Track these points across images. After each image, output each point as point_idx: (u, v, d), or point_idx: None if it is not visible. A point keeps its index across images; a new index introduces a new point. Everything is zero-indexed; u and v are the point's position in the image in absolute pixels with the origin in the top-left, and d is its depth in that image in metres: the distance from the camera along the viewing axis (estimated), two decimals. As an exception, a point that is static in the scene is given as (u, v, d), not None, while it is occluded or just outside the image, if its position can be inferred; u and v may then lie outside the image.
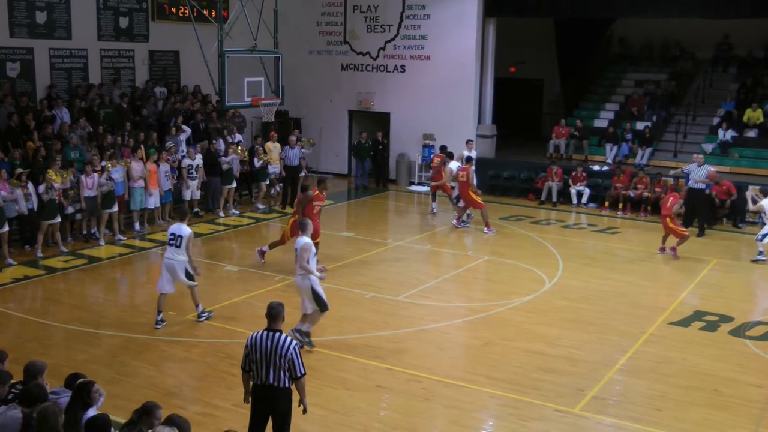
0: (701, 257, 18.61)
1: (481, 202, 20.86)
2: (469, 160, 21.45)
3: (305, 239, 12.18)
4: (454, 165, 21.64)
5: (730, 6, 23.99)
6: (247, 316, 13.87)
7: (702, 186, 20.80)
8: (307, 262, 12.05)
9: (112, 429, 7.12)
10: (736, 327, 13.86)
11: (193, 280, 13.50)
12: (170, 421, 7.17)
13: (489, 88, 27.01)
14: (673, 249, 18.51)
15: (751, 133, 25.23)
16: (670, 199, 18.48)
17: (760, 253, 18.09)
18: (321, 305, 12.24)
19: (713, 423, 10.32)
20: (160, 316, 13.38)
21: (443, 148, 23.22)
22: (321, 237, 16.31)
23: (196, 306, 13.64)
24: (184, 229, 13.31)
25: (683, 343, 13.19)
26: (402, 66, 27.54)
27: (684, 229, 18.69)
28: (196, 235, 19.32)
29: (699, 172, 20.89)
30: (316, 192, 16.29)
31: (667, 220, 18.35)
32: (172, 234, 13.37)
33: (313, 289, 12.13)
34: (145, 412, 7.25)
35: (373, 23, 27.88)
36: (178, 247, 13.24)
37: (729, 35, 28.93)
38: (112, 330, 13.28)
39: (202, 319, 13.63)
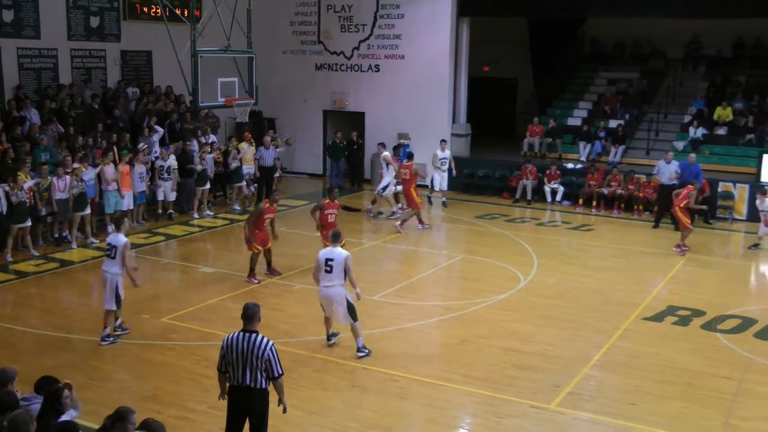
0: (674, 253, 18.76)
1: (418, 203, 20.83)
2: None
3: (345, 251, 12.17)
4: (387, 153, 22.05)
5: (699, 6, 24.25)
6: (223, 317, 13.81)
7: (674, 182, 20.87)
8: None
9: None
10: (708, 321, 14.03)
11: (118, 303, 12.69)
12: (145, 425, 7.05)
13: (463, 88, 27.10)
14: (678, 246, 18.66)
15: (721, 131, 25.49)
16: (683, 192, 18.68)
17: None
18: (354, 315, 12.25)
19: (686, 416, 10.45)
20: (107, 330, 12.65)
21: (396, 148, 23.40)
22: (297, 238, 16.28)
23: (104, 327, 12.63)
24: (120, 239, 12.66)
25: (656, 337, 13.33)
26: (376, 65, 27.56)
27: (689, 222, 18.70)
28: (171, 237, 19.38)
29: (669, 169, 21.22)
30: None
31: (677, 209, 18.57)
32: (108, 244, 12.77)
33: (348, 300, 12.15)
34: (119, 418, 7.05)
35: (347, 23, 27.88)
36: (113, 258, 12.62)
37: (698, 35, 29.22)
38: (84, 334, 13.12)
39: (104, 343, 12.55)
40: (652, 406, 10.72)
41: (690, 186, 18.88)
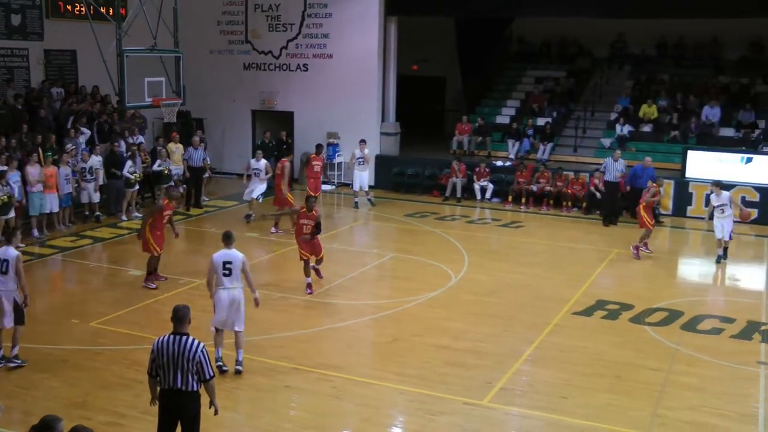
0: (602, 248, 19.07)
1: (292, 201, 20.45)
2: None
3: (240, 254, 11.71)
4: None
5: (623, 6, 24.70)
6: (153, 320, 13.61)
7: (618, 180, 21.66)
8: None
9: None
10: (636, 314, 14.29)
11: (21, 318, 11.70)
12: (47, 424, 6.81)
13: (392, 86, 27.13)
14: (636, 248, 18.45)
15: (647, 128, 25.99)
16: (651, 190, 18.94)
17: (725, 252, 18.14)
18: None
19: (616, 407, 10.61)
20: (15, 350, 11.73)
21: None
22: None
23: (12, 347, 11.70)
24: (10, 252, 11.57)
25: (586, 331, 13.52)
26: (305, 65, 27.45)
27: (650, 221, 18.47)
28: (98, 239, 19.03)
29: (616, 167, 21.74)
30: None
31: (641, 207, 18.55)
32: None
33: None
34: (44, 427, 6.70)
35: (274, 22, 27.71)
36: (5, 273, 11.49)
37: (623, 34, 29.74)
38: (9, 341, 12.76)
39: (11, 365, 11.63)
40: (582, 399, 10.87)
41: (654, 183, 19.22)
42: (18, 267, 11.50)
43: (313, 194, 18.62)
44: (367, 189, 23.80)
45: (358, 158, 23.41)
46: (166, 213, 15.58)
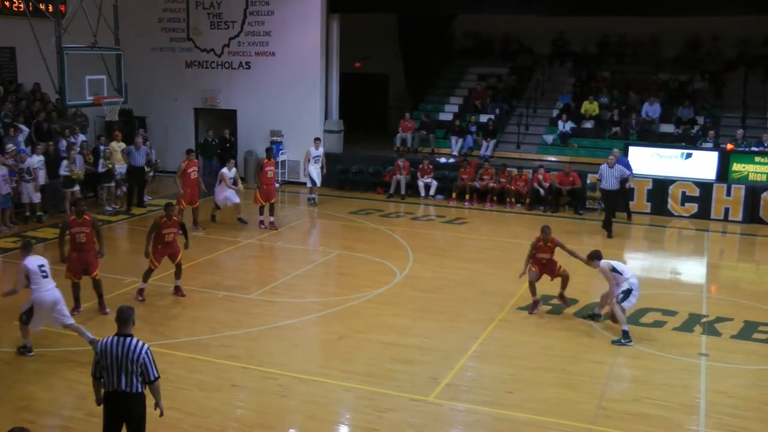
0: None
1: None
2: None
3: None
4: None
5: (563, 4, 24.96)
6: (97, 322, 13.36)
7: (615, 187, 20.30)
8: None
9: None
10: (580, 308, 14.43)
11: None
12: None
13: (335, 84, 27.09)
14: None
15: (588, 124, 26.32)
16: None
17: (625, 334, 12.95)
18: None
19: (562, 401, 10.71)
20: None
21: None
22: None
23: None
24: None
25: (531, 326, 13.65)
26: (247, 63, 27.29)
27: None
28: (41, 240, 18.67)
29: (612, 173, 20.19)
30: (164, 219, 14.61)
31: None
32: None
33: None
34: None
35: (216, 19, 27.49)
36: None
37: (564, 32, 30.07)
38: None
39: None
40: (528, 394, 10.95)
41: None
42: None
43: (173, 202, 16.53)
44: (318, 186, 23.68)
45: (314, 156, 23.20)
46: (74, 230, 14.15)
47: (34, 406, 10.41)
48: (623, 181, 20.49)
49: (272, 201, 20.28)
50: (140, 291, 14.66)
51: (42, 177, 20.77)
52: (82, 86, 19.59)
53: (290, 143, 26.58)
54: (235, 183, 20.64)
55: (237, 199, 20.50)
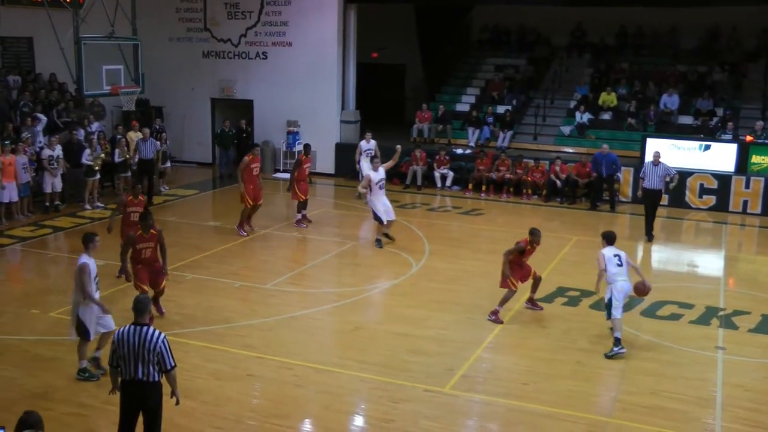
0: (563, 235, 19.17)
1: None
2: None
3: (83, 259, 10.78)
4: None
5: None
6: (113, 310, 13.38)
7: (659, 187, 19.02)
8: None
9: None
10: (596, 301, 14.28)
11: (82, 333, 10.77)
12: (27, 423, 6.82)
13: (351, 74, 27.05)
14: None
15: (606, 116, 26.19)
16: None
17: (617, 342, 12.13)
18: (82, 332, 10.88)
19: (577, 393, 10.68)
20: (83, 364, 11.03)
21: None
22: (187, 228, 15.66)
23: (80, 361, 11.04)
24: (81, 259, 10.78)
25: (547, 318, 13.60)
26: (264, 53, 27.28)
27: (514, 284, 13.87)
28: (59, 229, 18.76)
29: (656, 172, 18.94)
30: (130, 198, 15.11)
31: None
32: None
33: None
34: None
35: (233, 10, 27.48)
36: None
37: (582, 23, 29.88)
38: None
39: (79, 377, 10.94)
40: (543, 385, 10.92)
41: None
42: (80, 278, 10.62)
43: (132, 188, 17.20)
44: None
45: (366, 150, 22.86)
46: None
47: (52, 394, 10.48)
48: (667, 180, 19.19)
49: (307, 197, 20.14)
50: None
51: (61, 167, 20.88)
52: (99, 76, 19.61)
53: (307, 133, 26.56)
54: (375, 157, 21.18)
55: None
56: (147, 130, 22.74)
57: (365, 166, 22.29)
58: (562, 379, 11.16)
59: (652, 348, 12.38)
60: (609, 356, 11.90)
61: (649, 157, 21.28)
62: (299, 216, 20.02)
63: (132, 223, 14.59)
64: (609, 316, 12.25)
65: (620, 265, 12.29)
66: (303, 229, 19.72)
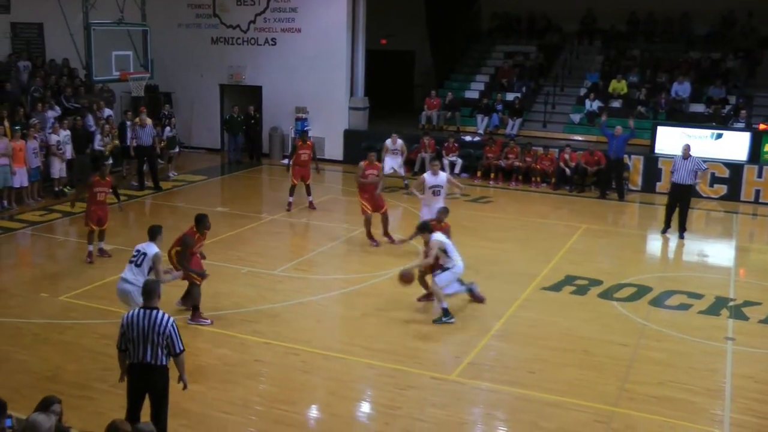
0: (571, 224, 19.11)
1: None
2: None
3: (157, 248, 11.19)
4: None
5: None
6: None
7: (689, 182, 18.17)
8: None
9: None
10: (605, 290, 14.31)
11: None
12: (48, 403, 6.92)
13: (360, 61, 26.96)
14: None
15: (616, 104, 26.03)
16: None
17: (445, 312, 12.68)
18: None
19: (584, 382, 10.64)
20: None
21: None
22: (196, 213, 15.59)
23: None
24: (151, 249, 11.21)
25: (555, 307, 13.55)
26: (273, 39, 27.21)
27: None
28: (67, 214, 18.77)
29: (686, 166, 18.07)
30: (97, 178, 15.42)
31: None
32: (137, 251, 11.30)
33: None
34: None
35: (242, -5, 27.46)
36: (138, 266, 11.16)
37: (592, 9, 29.73)
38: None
39: None
40: (550, 374, 10.89)
41: None
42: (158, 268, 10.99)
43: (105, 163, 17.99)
44: (402, 173, 22.93)
45: (392, 150, 22.40)
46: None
47: (61, 376, 10.53)
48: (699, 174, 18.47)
49: (307, 182, 20.13)
50: (89, 254, 15.36)
51: (69, 152, 20.92)
52: (108, 62, 19.61)
53: (315, 120, 26.54)
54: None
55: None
56: (144, 116, 22.14)
57: (389, 163, 22.18)
58: (569, 367, 11.12)
59: (660, 338, 12.30)
60: (437, 321, 12.49)
61: (662, 147, 21.27)
62: (290, 199, 20.08)
63: (99, 202, 15.36)
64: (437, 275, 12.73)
65: (450, 256, 12.82)
66: (288, 212, 19.84)
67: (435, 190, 16.02)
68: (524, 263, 15.89)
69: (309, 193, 20.17)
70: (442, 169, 19.83)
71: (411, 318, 12.89)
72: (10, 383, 9.75)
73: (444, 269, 12.77)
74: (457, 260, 12.91)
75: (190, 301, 12.55)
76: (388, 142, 22.30)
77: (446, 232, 13.55)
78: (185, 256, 12.24)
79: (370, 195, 17.15)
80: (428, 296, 13.50)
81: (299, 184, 20.02)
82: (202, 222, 12.50)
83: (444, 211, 14.06)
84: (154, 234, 11.38)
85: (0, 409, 6.70)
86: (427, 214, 15.60)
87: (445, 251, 12.81)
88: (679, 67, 26.78)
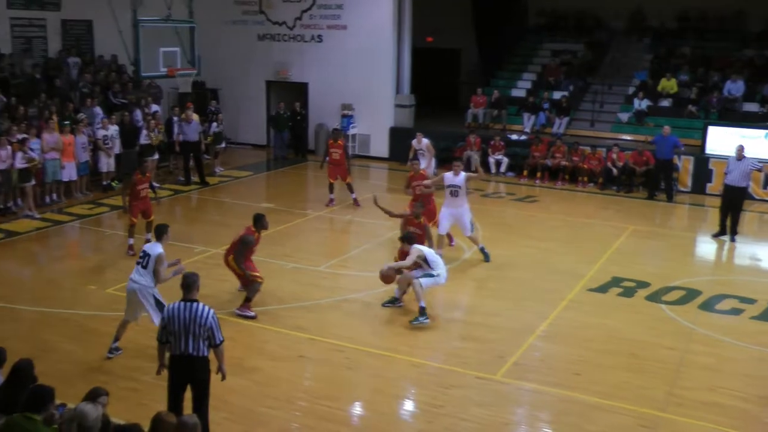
0: (619, 224, 18.89)
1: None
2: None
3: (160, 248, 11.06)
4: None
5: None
6: (167, 287, 13.47)
7: (743, 184, 17.80)
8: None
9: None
10: (653, 292, 14.09)
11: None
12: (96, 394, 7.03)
13: (406, 58, 26.88)
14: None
15: (665, 103, 25.66)
16: None
17: (422, 311, 12.41)
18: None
19: (630, 386, 10.48)
20: (115, 344, 11.18)
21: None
22: (241, 209, 15.87)
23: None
24: (156, 249, 11.06)
25: (601, 308, 13.38)
26: (319, 36, 27.24)
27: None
28: (115, 207, 18.97)
29: (740, 167, 17.65)
30: (139, 176, 15.75)
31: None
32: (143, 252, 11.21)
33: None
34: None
35: (289, -8, 27.53)
36: (144, 267, 11.05)
37: (642, 6, 29.38)
38: (30, 305, 12.98)
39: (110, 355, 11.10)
40: (595, 376, 10.75)
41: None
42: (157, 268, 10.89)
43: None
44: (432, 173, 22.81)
45: (418, 150, 21.73)
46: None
47: (107, 367, 10.68)
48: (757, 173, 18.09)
49: (346, 181, 20.09)
50: (129, 247, 15.64)
51: (117, 146, 21.16)
52: (156, 58, 19.75)
53: (361, 117, 26.55)
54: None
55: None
56: (190, 112, 22.30)
57: (424, 163, 21.96)
58: (615, 370, 10.97)
59: (710, 343, 12.07)
60: (414, 322, 12.29)
61: (713, 147, 20.89)
62: (330, 196, 20.19)
63: (141, 198, 15.73)
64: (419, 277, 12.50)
65: (431, 265, 12.60)
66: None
67: (452, 191, 15.68)
68: (570, 264, 15.72)
69: (351, 191, 20.13)
70: (467, 169, 19.57)
71: (455, 317, 12.87)
72: (57, 373, 9.85)
73: (427, 275, 12.53)
74: (441, 271, 12.66)
75: (248, 292, 12.63)
76: (414, 142, 21.91)
77: (421, 228, 13.73)
78: (244, 255, 12.39)
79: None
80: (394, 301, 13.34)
81: (338, 182, 20.01)
82: (260, 221, 12.68)
83: (420, 207, 14.16)
84: (159, 233, 11.34)
85: (48, 396, 6.80)
86: (446, 214, 15.55)
87: (425, 260, 12.61)
88: (731, 65, 26.25)
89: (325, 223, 18.87)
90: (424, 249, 12.75)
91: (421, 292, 12.37)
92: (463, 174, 15.66)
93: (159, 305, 10.91)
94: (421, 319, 12.28)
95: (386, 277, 12.79)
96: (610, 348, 11.72)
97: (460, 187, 15.56)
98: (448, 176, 15.74)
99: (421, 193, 16.41)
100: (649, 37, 29.23)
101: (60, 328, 12.00)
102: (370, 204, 20.38)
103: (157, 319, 10.64)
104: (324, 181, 20.63)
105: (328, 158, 20.23)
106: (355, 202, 20.07)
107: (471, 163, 21.88)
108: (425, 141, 21.55)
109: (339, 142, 20.14)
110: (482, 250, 15.80)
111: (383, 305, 13.23)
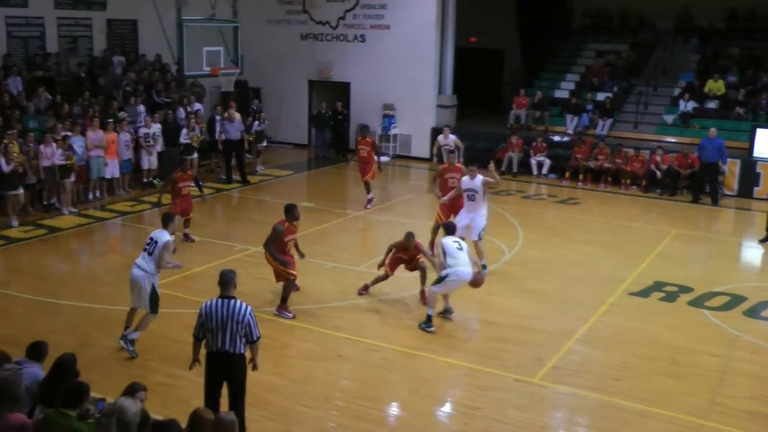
0: (662, 228, 18.66)
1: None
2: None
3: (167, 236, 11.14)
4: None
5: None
6: (208, 285, 13.48)
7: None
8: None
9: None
10: (696, 298, 13.87)
11: (156, 307, 11.13)
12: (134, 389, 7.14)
13: (449, 58, 26.80)
14: None
15: (712, 104, 25.27)
16: None
17: (428, 319, 12.33)
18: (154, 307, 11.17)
19: (671, 392, 10.32)
20: (127, 331, 11.24)
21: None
22: (280, 208, 15.71)
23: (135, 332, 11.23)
24: (162, 236, 11.14)
25: (642, 313, 13.20)
26: (362, 35, 27.25)
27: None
28: (156, 205, 19.06)
29: None
30: (180, 174, 16.12)
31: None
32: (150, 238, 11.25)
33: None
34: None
35: (332, -8, 27.55)
36: (151, 254, 11.11)
37: (689, 6, 28.99)
38: (73, 300, 13.12)
39: (123, 344, 11.09)
40: (636, 382, 10.60)
41: None
42: (162, 254, 10.94)
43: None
44: None
45: (443, 145, 21.79)
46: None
47: (146, 363, 10.75)
48: None
49: (364, 179, 19.83)
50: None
51: (160, 145, 21.35)
52: (199, 57, 19.88)
53: (403, 117, 26.50)
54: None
55: None
56: (232, 111, 22.36)
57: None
58: (656, 376, 10.80)
59: (755, 350, 11.85)
60: (421, 326, 12.17)
61: (761, 150, 20.53)
62: (368, 196, 19.99)
63: (183, 196, 16.02)
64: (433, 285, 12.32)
65: (461, 249, 12.31)
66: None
67: (469, 194, 15.08)
68: (611, 267, 15.54)
69: (367, 191, 19.92)
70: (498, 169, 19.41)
71: (494, 319, 12.74)
72: (96, 367, 9.95)
73: (438, 280, 12.29)
74: (456, 267, 12.15)
75: (283, 291, 12.66)
76: (440, 137, 21.77)
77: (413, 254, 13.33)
78: (274, 243, 12.39)
79: (449, 204, 15.86)
80: (366, 288, 13.56)
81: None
82: (290, 211, 12.68)
83: (411, 236, 13.34)
84: (166, 221, 11.40)
85: (83, 392, 6.86)
86: (464, 217, 15.04)
87: (444, 252, 12.33)
88: (782, 66, 25.80)
89: (365, 223, 18.86)
90: (444, 241, 12.53)
91: (432, 298, 12.28)
92: (479, 177, 15.17)
93: (153, 296, 11.02)
94: (423, 326, 12.14)
95: (476, 282, 12.55)
96: (652, 353, 11.55)
97: (476, 191, 15.05)
98: (465, 180, 15.27)
99: (452, 186, 15.96)
100: (696, 37, 28.80)
101: (101, 324, 12.09)
102: (409, 204, 20.41)
103: (146, 306, 10.96)
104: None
105: (356, 156, 20.06)
106: (368, 203, 19.92)
107: (459, 153, 21.13)
108: (452, 137, 21.42)
109: (367, 139, 20.00)
110: (483, 266, 14.93)
111: (440, 315, 12.78)
